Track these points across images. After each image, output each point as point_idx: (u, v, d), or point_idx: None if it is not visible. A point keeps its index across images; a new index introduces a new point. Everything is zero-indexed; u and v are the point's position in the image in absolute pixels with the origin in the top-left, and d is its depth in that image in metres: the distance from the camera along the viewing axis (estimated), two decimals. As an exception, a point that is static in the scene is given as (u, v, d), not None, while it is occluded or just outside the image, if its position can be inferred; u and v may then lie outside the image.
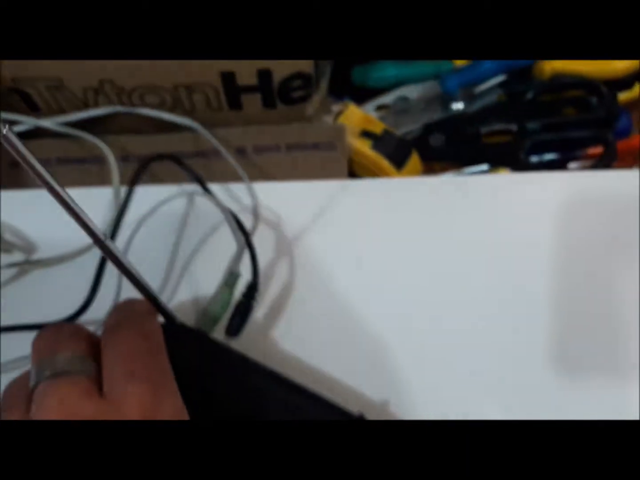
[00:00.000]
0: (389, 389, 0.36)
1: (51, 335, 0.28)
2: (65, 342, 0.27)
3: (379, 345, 0.37)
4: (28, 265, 0.40)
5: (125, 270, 0.28)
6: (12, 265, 0.39)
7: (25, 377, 0.27)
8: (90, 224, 0.25)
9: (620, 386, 0.35)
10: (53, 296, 0.39)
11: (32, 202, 0.43)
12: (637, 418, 0.33)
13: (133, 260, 0.28)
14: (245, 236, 0.38)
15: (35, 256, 0.41)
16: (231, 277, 0.37)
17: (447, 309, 0.38)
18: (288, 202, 0.42)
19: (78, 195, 0.45)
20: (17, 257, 0.41)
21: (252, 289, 0.37)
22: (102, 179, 0.46)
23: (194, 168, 0.42)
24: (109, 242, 0.26)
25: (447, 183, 0.44)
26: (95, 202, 0.43)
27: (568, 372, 0.36)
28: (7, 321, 0.38)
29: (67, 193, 0.24)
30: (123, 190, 0.43)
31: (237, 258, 0.38)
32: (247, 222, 0.40)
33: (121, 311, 0.29)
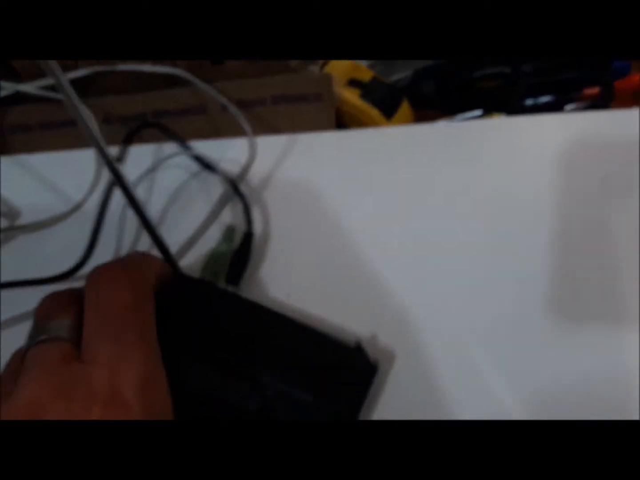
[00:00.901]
0: (385, 327, 0.35)
1: (50, 301, 0.28)
2: (61, 308, 0.27)
3: (376, 288, 0.36)
4: (12, 231, 0.39)
5: (135, 204, 0.28)
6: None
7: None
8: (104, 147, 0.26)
9: (619, 333, 0.34)
10: (39, 260, 0.38)
11: (12, 168, 0.42)
12: (637, 366, 0.33)
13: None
14: (233, 186, 0.38)
15: (19, 222, 0.40)
16: (228, 230, 0.38)
17: (442, 257, 0.37)
18: (276, 155, 0.41)
19: (61, 158, 0.44)
20: (1, 223, 0.40)
21: (248, 237, 0.37)
22: (85, 142, 0.45)
23: (179, 125, 0.41)
24: (119, 166, 0.27)
25: (440, 130, 0.42)
26: (79, 164, 0.42)
27: (567, 320, 0.35)
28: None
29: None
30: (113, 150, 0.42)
31: (229, 210, 0.38)
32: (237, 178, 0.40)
33: (107, 265, 0.28)
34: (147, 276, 0.28)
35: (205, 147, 0.42)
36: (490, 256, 0.37)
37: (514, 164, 0.41)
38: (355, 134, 0.43)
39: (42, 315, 0.27)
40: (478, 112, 0.49)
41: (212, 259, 0.37)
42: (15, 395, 0.23)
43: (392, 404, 0.32)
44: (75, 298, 0.27)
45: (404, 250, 0.38)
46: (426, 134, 0.43)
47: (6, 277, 0.37)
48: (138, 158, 0.40)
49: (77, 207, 0.40)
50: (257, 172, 0.41)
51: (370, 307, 0.36)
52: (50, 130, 0.52)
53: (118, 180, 0.27)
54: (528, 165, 0.40)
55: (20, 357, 0.26)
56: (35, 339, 0.26)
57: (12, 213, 0.40)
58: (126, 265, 0.28)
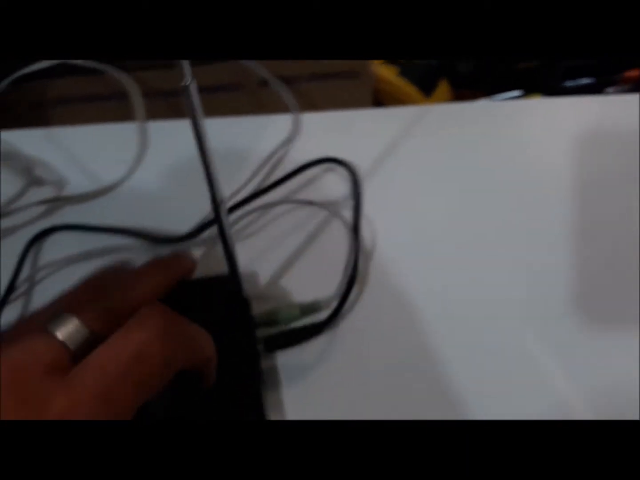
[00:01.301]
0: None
1: (89, 289, 0.28)
2: (101, 319, 0.25)
3: (423, 264, 0.36)
4: (59, 201, 0.40)
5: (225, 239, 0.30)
6: (43, 202, 0.40)
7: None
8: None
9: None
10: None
11: (54, 140, 0.43)
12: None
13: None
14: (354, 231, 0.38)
15: (65, 192, 0.41)
16: (312, 305, 0.35)
17: (475, 234, 0.37)
18: (318, 132, 0.42)
19: (102, 131, 0.45)
20: (48, 192, 0.41)
21: (318, 329, 0.34)
22: (125, 116, 0.46)
23: (217, 101, 0.42)
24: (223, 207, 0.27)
25: (479, 109, 0.42)
26: (122, 138, 0.43)
27: (589, 307, 0.35)
28: (45, 258, 0.38)
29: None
30: (149, 125, 0.43)
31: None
32: (279, 152, 0.40)
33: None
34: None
35: (246, 123, 0.42)
36: (521, 235, 0.37)
37: (552, 144, 0.40)
38: (394, 112, 0.43)
39: (75, 303, 0.26)
40: (517, 92, 0.48)
41: (275, 316, 0.34)
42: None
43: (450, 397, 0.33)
44: (123, 311, 0.26)
45: (441, 228, 0.38)
46: (465, 112, 0.42)
47: (54, 246, 0.38)
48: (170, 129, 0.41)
49: (120, 182, 0.41)
50: (299, 149, 0.41)
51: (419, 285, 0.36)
52: (92, 103, 0.53)
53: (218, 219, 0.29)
54: (565, 145, 0.40)
55: (30, 324, 0.26)
56: (54, 324, 0.24)
57: (60, 182, 0.41)
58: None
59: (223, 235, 0.30)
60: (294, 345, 0.34)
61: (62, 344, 0.24)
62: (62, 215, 0.40)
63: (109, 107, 0.48)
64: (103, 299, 0.27)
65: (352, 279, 0.35)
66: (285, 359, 0.33)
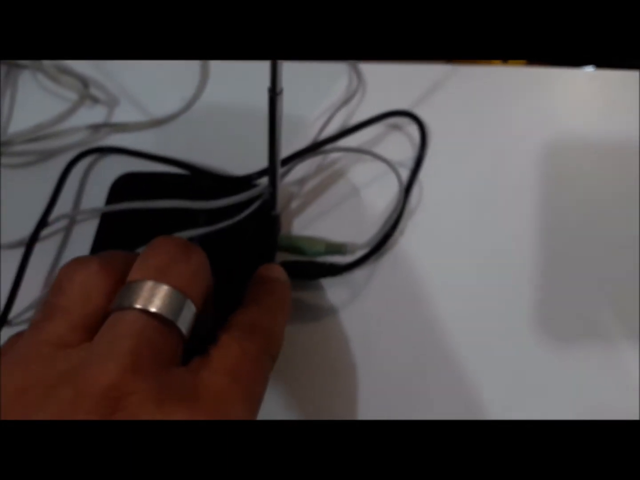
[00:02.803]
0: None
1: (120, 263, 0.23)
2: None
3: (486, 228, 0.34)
4: (109, 127, 0.39)
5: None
6: (92, 126, 0.39)
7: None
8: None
9: None
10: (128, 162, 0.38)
11: (120, 65, 0.41)
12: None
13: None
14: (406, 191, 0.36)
15: (117, 119, 0.39)
16: (338, 247, 0.33)
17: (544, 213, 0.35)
18: (384, 85, 0.40)
19: (163, 62, 0.43)
20: (99, 116, 0.39)
21: (336, 271, 0.33)
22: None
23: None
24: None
25: (553, 75, 0.40)
26: (179, 72, 0.41)
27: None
28: (92, 182, 0.37)
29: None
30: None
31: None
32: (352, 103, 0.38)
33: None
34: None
35: (311, 70, 0.40)
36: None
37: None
38: (469, 71, 0.40)
39: (158, 268, 0.22)
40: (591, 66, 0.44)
41: (299, 245, 0.33)
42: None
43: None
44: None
45: (503, 203, 0.36)
46: (539, 76, 0.40)
47: (99, 173, 0.37)
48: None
49: (175, 115, 0.39)
50: (366, 101, 0.39)
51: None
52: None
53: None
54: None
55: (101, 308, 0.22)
56: (128, 299, 0.21)
57: (112, 107, 0.40)
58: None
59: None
60: (308, 278, 0.33)
61: (178, 330, 0.21)
62: (110, 141, 0.39)
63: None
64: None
65: (387, 236, 0.34)
66: (298, 293, 0.33)
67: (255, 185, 0.33)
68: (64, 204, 0.36)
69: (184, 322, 0.22)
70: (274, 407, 0.30)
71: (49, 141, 0.38)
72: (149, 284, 0.21)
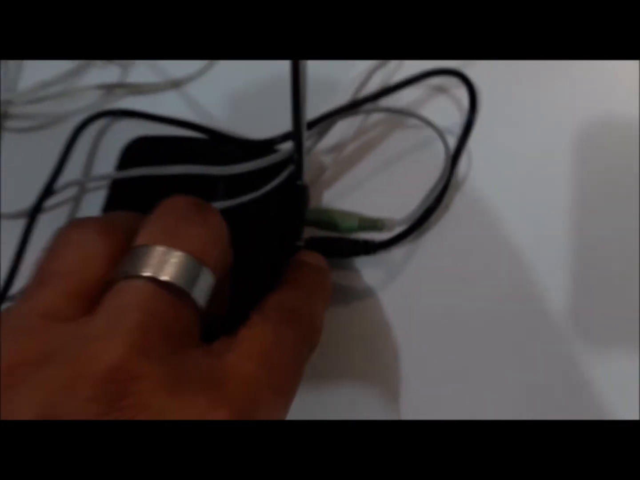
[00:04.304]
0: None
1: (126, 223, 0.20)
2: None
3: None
4: (121, 87, 0.35)
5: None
6: (104, 86, 0.35)
7: None
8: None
9: None
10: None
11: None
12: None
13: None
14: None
15: (130, 79, 0.36)
16: (374, 222, 0.29)
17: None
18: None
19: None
20: (109, 77, 0.36)
21: (370, 249, 0.29)
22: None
23: None
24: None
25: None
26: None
27: None
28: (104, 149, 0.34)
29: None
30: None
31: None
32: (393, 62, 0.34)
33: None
34: None
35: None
36: None
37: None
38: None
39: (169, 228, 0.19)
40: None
41: (329, 219, 0.29)
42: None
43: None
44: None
45: (552, 177, 0.31)
46: None
47: (116, 138, 0.34)
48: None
49: (192, 77, 0.35)
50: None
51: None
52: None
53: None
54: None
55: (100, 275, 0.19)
56: (135, 266, 0.18)
57: (126, 69, 0.36)
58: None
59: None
60: (339, 257, 0.29)
61: (194, 303, 0.18)
62: (123, 104, 0.35)
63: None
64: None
65: (430, 210, 0.30)
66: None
67: (277, 151, 0.30)
68: (72, 172, 0.33)
69: (201, 294, 0.18)
70: (304, 402, 0.27)
71: (56, 103, 0.35)
72: (159, 249, 0.18)
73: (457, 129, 0.32)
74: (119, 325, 0.17)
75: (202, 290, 0.19)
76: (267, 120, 0.32)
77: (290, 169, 0.28)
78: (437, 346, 0.28)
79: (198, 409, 0.16)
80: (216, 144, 0.32)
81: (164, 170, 0.29)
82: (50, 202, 0.32)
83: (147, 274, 0.17)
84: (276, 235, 0.28)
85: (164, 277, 0.18)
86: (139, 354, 0.16)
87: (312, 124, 0.31)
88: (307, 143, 0.29)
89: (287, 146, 0.29)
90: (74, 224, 0.20)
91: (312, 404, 0.27)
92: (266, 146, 0.31)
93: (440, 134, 0.30)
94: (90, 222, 0.20)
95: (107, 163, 0.33)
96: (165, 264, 0.18)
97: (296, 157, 0.27)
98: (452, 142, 0.31)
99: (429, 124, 0.31)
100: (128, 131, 0.32)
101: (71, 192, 0.33)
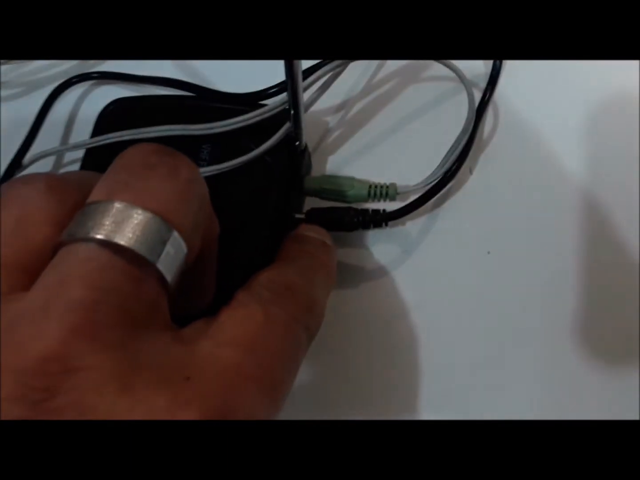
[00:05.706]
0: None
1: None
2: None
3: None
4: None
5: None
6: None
7: None
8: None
9: None
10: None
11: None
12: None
13: None
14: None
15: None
16: (385, 189, 0.25)
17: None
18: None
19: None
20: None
21: (380, 221, 0.25)
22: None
23: None
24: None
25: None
26: None
27: None
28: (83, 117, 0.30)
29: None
30: None
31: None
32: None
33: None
34: None
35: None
36: None
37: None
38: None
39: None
40: None
41: (334, 186, 0.26)
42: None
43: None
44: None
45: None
46: None
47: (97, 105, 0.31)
48: None
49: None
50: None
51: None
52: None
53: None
54: None
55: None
56: (84, 226, 0.15)
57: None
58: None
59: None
60: (345, 230, 0.25)
61: (159, 275, 0.15)
62: (102, 68, 0.32)
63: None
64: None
65: (450, 174, 0.26)
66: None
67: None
68: (47, 144, 0.30)
69: (168, 264, 0.15)
70: (301, 399, 0.24)
71: (30, 70, 0.32)
72: (116, 206, 0.15)
73: (481, 81, 0.28)
74: (57, 301, 0.13)
75: (169, 258, 0.15)
76: (260, 72, 0.28)
77: (286, 127, 0.24)
78: (460, 333, 0.25)
79: (156, 409, 0.13)
80: (203, 102, 0.29)
81: (141, 134, 0.26)
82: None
83: (98, 236, 0.14)
84: (271, 207, 0.24)
85: (120, 241, 0.14)
86: (80, 340, 0.13)
87: (309, 72, 0.26)
88: (305, 96, 0.25)
89: (281, 97, 0.25)
90: (18, 180, 0.17)
91: (311, 402, 0.25)
92: (258, 99, 0.27)
93: (464, 80, 0.26)
94: (38, 178, 0.17)
95: (87, 134, 0.29)
96: (122, 223, 0.14)
97: (292, 113, 0.23)
98: (476, 94, 0.27)
99: (451, 68, 0.26)
100: (110, 97, 0.29)
101: (43, 165, 0.29)
